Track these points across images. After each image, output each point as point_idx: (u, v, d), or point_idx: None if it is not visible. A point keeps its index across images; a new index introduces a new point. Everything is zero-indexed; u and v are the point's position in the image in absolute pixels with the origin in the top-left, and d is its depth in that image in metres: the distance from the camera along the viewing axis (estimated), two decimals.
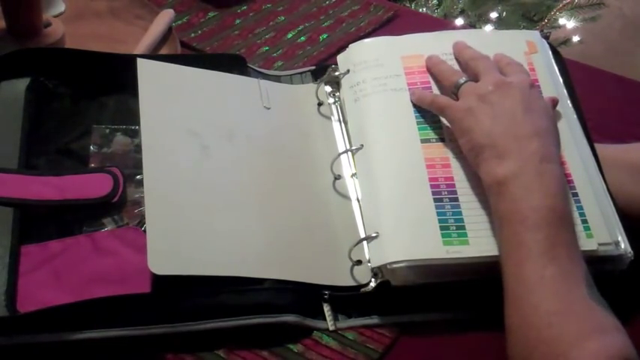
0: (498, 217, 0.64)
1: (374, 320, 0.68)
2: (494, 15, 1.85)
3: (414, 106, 0.75)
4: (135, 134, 0.78)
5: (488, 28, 1.81)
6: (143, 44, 0.92)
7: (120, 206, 0.73)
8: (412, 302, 0.69)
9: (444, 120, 0.73)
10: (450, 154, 0.72)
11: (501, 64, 0.74)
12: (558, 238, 0.61)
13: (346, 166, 0.76)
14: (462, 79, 0.72)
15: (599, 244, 0.66)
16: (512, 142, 0.65)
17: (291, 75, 0.90)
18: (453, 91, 0.72)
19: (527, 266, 0.60)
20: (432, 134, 0.73)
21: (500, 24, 1.83)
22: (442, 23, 1.47)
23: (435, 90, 0.76)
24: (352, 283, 0.69)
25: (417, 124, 0.74)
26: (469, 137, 0.68)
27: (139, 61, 0.78)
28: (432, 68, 0.77)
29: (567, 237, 0.62)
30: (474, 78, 0.72)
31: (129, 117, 0.79)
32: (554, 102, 0.73)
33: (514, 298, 0.60)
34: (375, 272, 0.68)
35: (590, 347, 0.56)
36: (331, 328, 0.67)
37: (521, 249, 0.61)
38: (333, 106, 0.82)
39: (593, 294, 0.59)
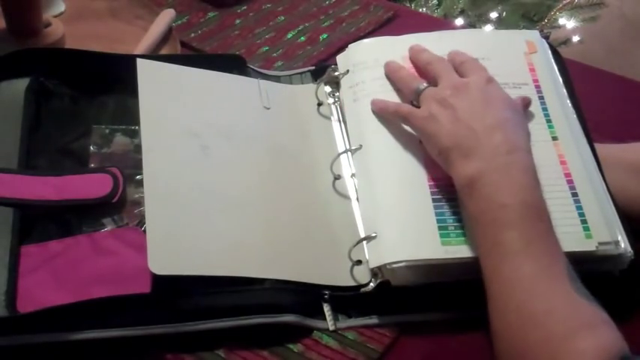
0: (471, 217, 0.64)
1: (374, 320, 0.68)
2: (494, 15, 1.85)
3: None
4: (135, 134, 0.78)
5: (488, 28, 1.81)
6: (143, 44, 0.92)
7: (120, 206, 0.73)
8: (412, 302, 0.69)
9: None
10: None
11: (456, 64, 0.74)
12: (533, 232, 0.60)
13: (346, 166, 0.76)
14: (422, 86, 0.72)
15: (599, 244, 0.66)
16: (475, 139, 0.65)
17: (290, 75, 0.90)
18: (413, 97, 0.72)
19: (504, 266, 0.60)
20: None
21: (500, 24, 1.83)
22: (442, 23, 1.47)
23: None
24: (352, 283, 0.69)
25: None
26: (434, 142, 0.68)
27: (139, 61, 0.78)
28: (391, 75, 0.77)
29: (542, 230, 0.61)
30: (433, 82, 0.72)
31: (129, 117, 0.79)
32: (525, 101, 0.73)
33: (496, 301, 0.60)
34: (375, 272, 0.68)
35: (579, 346, 0.55)
36: (331, 328, 0.67)
37: (496, 249, 0.61)
38: (333, 107, 0.82)
39: (577, 287, 0.58)
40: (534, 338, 0.56)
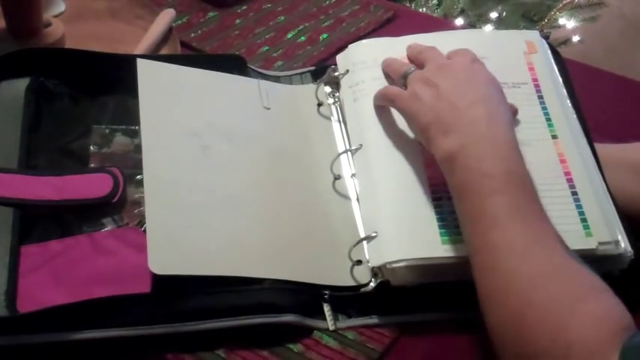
0: (455, 191, 0.63)
1: (374, 320, 0.68)
2: (494, 15, 1.85)
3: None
4: (135, 134, 0.78)
5: (488, 28, 1.81)
6: (143, 44, 0.92)
7: (120, 206, 0.73)
8: (412, 302, 0.69)
9: None
10: None
11: (448, 54, 0.74)
12: (521, 200, 0.60)
13: (346, 166, 0.76)
14: (410, 69, 0.72)
15: (599, 243, 0.66)
16: (456, 114, 0.65)
17: (290, 75, 0.90)
18: (401, 82, 0.73)
19: (494, 233, 0.58)
20: None
21: (500, 24, 1.83)
22: (442, 23, 1.47)
23: None
24: (352, 283, 0.69)
25: None
26: (417, 120, 0.68)
27: (139, 61, 0.78)
28: (385, 68, 0.77)
29: (529, 198, 0.61)
30: (421, 67, 0.73)
31: (129, 117, 0.79)
32: (512, 110, 0.72)
33: (486, 270, 0.58)
34: (375, 272, 0.68)
35: (590, 309, 0.53)
36: (331, 328, 0.67)
37: (484, 217, 0.59)
38: (333, 107, 0.82)
39: (573, 255, 0.57)
40: (536, 300, 0.55)
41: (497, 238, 0.58)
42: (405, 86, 0.72)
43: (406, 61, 0.77)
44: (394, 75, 0.75)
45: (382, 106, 0.75)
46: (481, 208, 0.60)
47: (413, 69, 0.72)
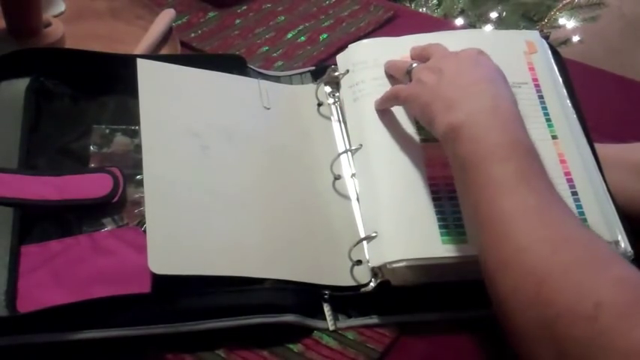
0: (459, 161, 0.62)
1: (374, 320, 0.68)
2: (494, 15, 1.85)
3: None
4: (135, 134, 0.78)
5: (488, 28, 1.81)
6: (143, 44, 0.92)
7: (120, 206, 0.73)
8: (412, 302, 0.69)
9: None
10: None
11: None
12: (531, 170, 0.59)
13: (346, 166, 0.76)
14: (414, 64, 0.72)
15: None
16: (460, 90, 0.64)
17: (290, 75, 0.90)
18: (406, 78, 0.73)
19: (504, 199, 0.57)
20: (431, 134, 0.73)
21: (500, 24, 1.83)
22: (442, 23, 1.47)
23: None
24: (352, 283, 0.69)
25: (416, 124, 0.73)
26: (418, 100, 0.67)
27: (139, 61, 0.78)
28: (388, 69, 0.77)
29: (539, 168, 0.60)
30: (426, 61, 0.73)
31: (129, 117, 0.79)
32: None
33: (498, 237, 0.56)
34: (375, 272, 0.68)
35: (616, 272, 0.51)
36: (331, 328, 0.67)
37: (492, 185, 0.58)
38: (333, 107, 0.82)
39: (588, 226, 0.56)
40: (558, 260, 0.52)
41: (509, 204, 0.57)
42: (409, 81, 0.72)
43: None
44: (398, 73, 0.75)
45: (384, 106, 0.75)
46: (489, 175, 0.59)
47: (416, 63, 0.72)
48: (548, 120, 0.74)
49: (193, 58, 0.93)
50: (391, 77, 0.77)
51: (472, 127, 0.61)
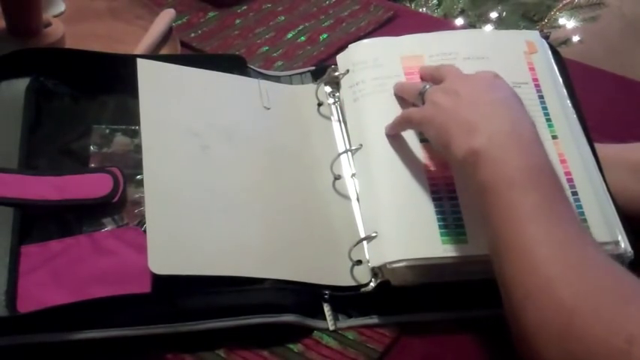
0: (479, 186, 0.60)
1: (374, 320, 0.68)
2: (494, 15, 1.85)
3: (413, 105, 0.75)
4: (135, 134, 0.78)
5: (488, 28, 1.81)
6: (143, 44, 0.92)
7: (120, 206, 0.73)
8: (412, 302, 0.69)
9: None
10: None
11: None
12: (555, 198, 0.58)
13: (346, 166, 0.76)
14: (427, 85, 0.70)
15: (599, 244, 0.66)
16: (479, 112, 0.63)
17: (290, 75, 0.90)
18: (419, 100, 0.70)
19: (529, 229, 0.56)
20: None
21: (500, 24, 1.83)
22: (442, 23, 1.47)
23: None
24: (352, 283, 0.69)
25: None
26: (434, 122, 0.66)
27: (139, 61, 0.78)
28: (398, 90, 0.75)
29: (563, 197, 0.59)
30: (439, 83, 0.70)
31: (129, 117, 0.79)
32: None
33: (524, 265, 0.55)
34: (375, 272, 0.68)
35: None
36: (331, 328, 0.67)
37: (516, 213, 0.57)
38: (333, 107, 0.82)
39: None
40: (588, 289, 0.52)
41: (535, 234, 0.56)
42: (422, 103, 0.70)
43: (408, 62, 0.77)
44: (410, 95, 0.73)
45: (383, 106, 0.75)
46: (513, 203, 0.58)
47: (430, 85, 0.70)
48: (548, 120, 0.74)
49: (193, 58, 0.93)
50: (401, 99, 0.75)
51: (493, 151, 0.60)
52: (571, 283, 0.53)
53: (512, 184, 0.58)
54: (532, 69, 0.78)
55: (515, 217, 0.57)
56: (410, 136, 0.73)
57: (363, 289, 0.68)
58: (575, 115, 0.76)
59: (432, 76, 0.73)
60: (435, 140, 0.67)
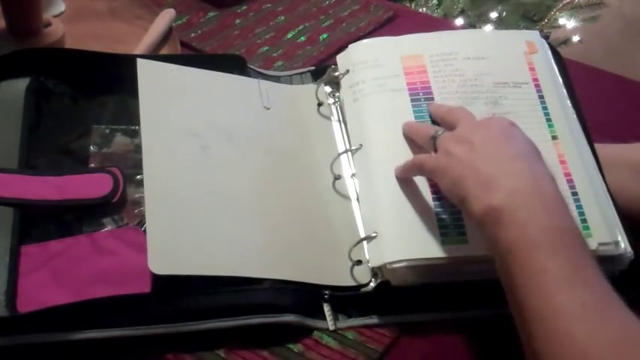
0: (502, 246, 0.57)
1: (374, 320, 0.68)
2: (494, 15, 1.85)
3: (413, 105, 0.75)
4: (135, 134, 0.78)
5: (488, 28, 1.81)
6: (143, 44, 0.92)
7: (120, 206, 0.73)
8: (412, 302, 0.69)
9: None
10: None
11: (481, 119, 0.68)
12: (583, 262, 0.56)
13: (346, 166, 0.76)
14: (439, 131, 0.67)
15: (599, 244, 0.66)
16: (497, 167, 0.60)
17: (290, 75, 0.90)
18: (430, 144, 0.68)
19: (560, 296, 0.53)
20: None
21: (500, 24, 1.83)
22: (442, 23, 1.47)
23: (436, 95, 0.75)
24: (352, 283, 0.69)
25: None
26: (449, 174, 0.63)
27: (139, 61, 0.78)
28: (408, 131, 0.72)
29: (590, 260, 0.56)
30: (452, 129, 0.67)
31: (129, 117, 0.79)
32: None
33: (554, 334, 0.53)
34: (375, 272, 0.68)
35: None
36: (331, 328, 0.67)
37: (544, 278, 0.54)
38: (333, 107, 0.82)
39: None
40: None
41: (565, 301, 0.53)
42: (434, 149, 0.67)
43: (407, 62, 0.77)
44: (421, 139, 0.70)
45: (383, 106, 0.75)
46: (540, 267, 0.55)
47: (442, 131, 0.67)
48: (548, 120, 0.74)
49: (193, 58, 0.93)
50: (410, 140, 0.72)
51: (515, 210, 0.57)
52: (606, 355, 0.51)
53: (539, 246, 0.55)
54: (532, 69, 0.78)
55: (544, 281, 0.55)
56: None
57: (363, 289, 0.68)
58: (575, 115, 0.76)
59: (444, 120, 0.70)
60: (448, 193, 0.64)
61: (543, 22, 1.84)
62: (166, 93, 0.78)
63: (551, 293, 0.54)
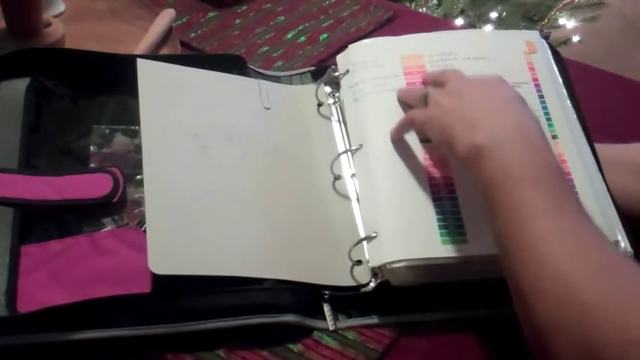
0: (486, 182, 0.59)
1: (374, 320, 0.68)
2: (494, 15, 1.85)
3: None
4: (135, 134, 0.78)
5: (488, 28, 1.81)
6: (143, 44, 0.92)
7: (120, 206, 0.73)
8: (412, 302, 0.69)
9: None
10: None
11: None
12: (563, 193, 0.58)
13: (346, 166, 0.76)
14: (430, 89, 0.69)
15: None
16: (482, 110, 0.62)
17: (290, 75, 0.90)
18: (422, 102, 0.69)
19: (539, 224, 0.55)
20: None
21: (500, 24, 1.83)
22: (442, 23, 1.47)
23: None
24: (352, 283, 0.69)
25: None
26: (437, 123, 0.65)
27: (139, 61, 0.78)
28: (402, 95, 0.74)
29: (570, 191, 0.59)
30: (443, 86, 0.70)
31: (129, 117, 0.79)
32: None
33: (535, 261, 0.54)
34: (375, 272, 0.68)
35: None
36: (331, 328, 0.67)
37: (525, 208, 0.56)
38: (333, 107, 0.82)
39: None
40: (602, 288, 0.51)
41: (544, 229, 0.55)
42: (426, 106, 0.69)
43: (407, 62, 0.77)
44: (413, 99, 0.72)
45: (383, 106, 0.75)
46: (520, 198, 0.57)
47: (433, 89, 0.69)
48: (548, 120, 0.74)
49: (193, 58, 0.93)
50: (405, 105, 0.74)
51: (498, 147, 0.59)
52: (583, 278, 0.52)
53: (521, 179, 0.57)
54: (532, 69, 0.78)
55: (524, 211, 0.56)
56: (410, 137, 0.73)
57: (363, 289, 0.68)
58: (575, 115, 0.76)
59: (435, 80, 0.72)
60: (438, 140, 0.67)
61: (543, 22, 1.84)
62: (166, 93, 0.78)
63: (530, 222, 0.56)
